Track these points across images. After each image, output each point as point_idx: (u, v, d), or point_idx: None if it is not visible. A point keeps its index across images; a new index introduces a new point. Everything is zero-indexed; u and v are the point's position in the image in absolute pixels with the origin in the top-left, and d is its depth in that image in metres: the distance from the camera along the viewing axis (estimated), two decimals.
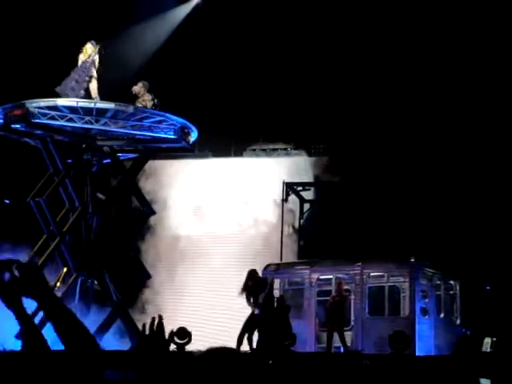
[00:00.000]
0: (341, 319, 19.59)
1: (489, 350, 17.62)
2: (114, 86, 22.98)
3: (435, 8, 26.88)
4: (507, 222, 24.79)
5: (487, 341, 17.80)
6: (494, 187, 25.76)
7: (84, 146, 22.55)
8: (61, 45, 25.74)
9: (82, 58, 22.28)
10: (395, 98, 27.50)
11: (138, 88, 22.75)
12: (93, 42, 22.40)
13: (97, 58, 22.18)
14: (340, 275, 21.14)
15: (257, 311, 17.62)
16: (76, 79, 21.85)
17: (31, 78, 26.43)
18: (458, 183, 26.34)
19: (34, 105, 21.56)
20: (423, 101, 27.49)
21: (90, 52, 22.29)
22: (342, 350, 19.62)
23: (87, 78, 22.07)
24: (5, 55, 27.13)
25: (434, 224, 25.38)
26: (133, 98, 22.77)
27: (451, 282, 21.44)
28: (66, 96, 21.77)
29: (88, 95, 22.13)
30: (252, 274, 18.26)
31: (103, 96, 22.37)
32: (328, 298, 20.45)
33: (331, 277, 21.11)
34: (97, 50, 22.26)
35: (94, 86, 22.24)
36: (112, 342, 20.15)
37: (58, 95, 21.94)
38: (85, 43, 22.50)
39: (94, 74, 22.24)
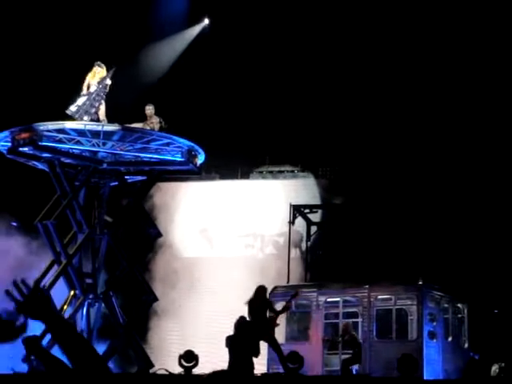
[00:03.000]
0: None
1: (497, 374, 17.50)
2: (121, 108, 23.06)
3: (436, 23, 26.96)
4: None
5: (495, 367, 17.70)
6: (502, 209, 25.68)
7: (91, 168, 22.58)
8: (67, 68, 25.91)
9: (90, 79, 22.31)
10: (402, 119, 27.51)
11: (147, 111, 22.81)
12: (100, 63, 22.43)
13: (109, 82, 22.22)
14: (347, 298, 21.09)
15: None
16: (92, 103, 21.90)
17: (38, 101, 26.58)
18: (467, 205, 26.29)
19: (42, 128, 21.61)
20: (430, 121, 27.51)
21: (98, 75, 22.30)
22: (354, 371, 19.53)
23: (102, 102, 22.14)
24: (12, 78, 27.31)
25: (442, 247, 25.30)
26: (142, 120, 22.83)
27: (459, 305, 21.34)
28: (81, 119, 21.79)
29: (97, 118, 22.21)
30: (260, 290, 18.23)
31: (110, 118, 22.44)
32: (336, 320, 20.41)
33: (339, 299, 21.04)
34: (111, 73, 22.28)
35: (102, 109, 22.31)
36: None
37: (69, 117, 21.98)
38: (91, 66, 22.55)
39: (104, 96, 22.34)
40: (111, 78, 22.26)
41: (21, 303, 3.86)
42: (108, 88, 22.21)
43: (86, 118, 21.82)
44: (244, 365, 15.64)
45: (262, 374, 17.85)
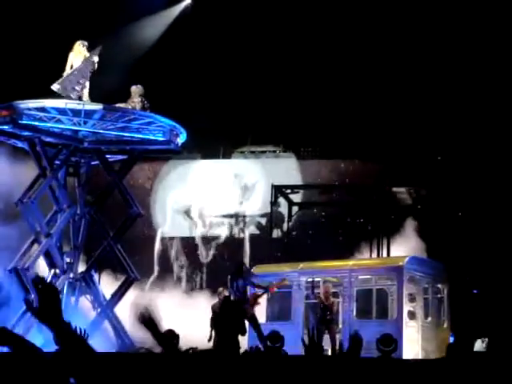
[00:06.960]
0: (329, 323, 19.56)
1: (482, 349, 17.63)
2: (102, 87, 22.89)
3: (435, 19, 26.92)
4: (498, 224, 24.84)
5: (481, 343, 17.83)
6: (487, 189, 25.77)
7: (72, 147, 22.45)
8: (47, 46, 25.69)
9: (73, 57, 22.10)
10: (384, 103, 27.53)
11: (133, 89, 22.66)
12: (83, 42, 22.19)
13: (96, 59, 22.01)
14: (328, 278, 21.14)
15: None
16: (78, 80, 21.67)
17: (18, 78, 26.36)
18: (454, 183, 26.44)
19: (22, 106, 21.44)
20: (415, 104, 27.54)
21: (81, 54, 22.06)
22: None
23: (87, 80, 21.93)
24: None
25: (422, 227, 25.42)
26: (124, 99, 22.68)
27: (439, 285, 21.48)
28: (69, 97, 21.60)
29: (80, 96, 22.02)
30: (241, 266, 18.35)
31: (92, 97, 22.27)
32: (315, 300, 20.46)
33: (319, 279, 21.11)
34: (98, 51, 22.08)
35: (86, 87, 22.12)
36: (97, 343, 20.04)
37: (52, 95, 21.76)
38: (72, 44, 22.33)
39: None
40: (97, 56, 22.05)
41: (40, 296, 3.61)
42: (95, 65, 22.02)
43: (73, 95, 21.58)
44: (229, 343, 15.68)
45: (243, 352, 17.87)
